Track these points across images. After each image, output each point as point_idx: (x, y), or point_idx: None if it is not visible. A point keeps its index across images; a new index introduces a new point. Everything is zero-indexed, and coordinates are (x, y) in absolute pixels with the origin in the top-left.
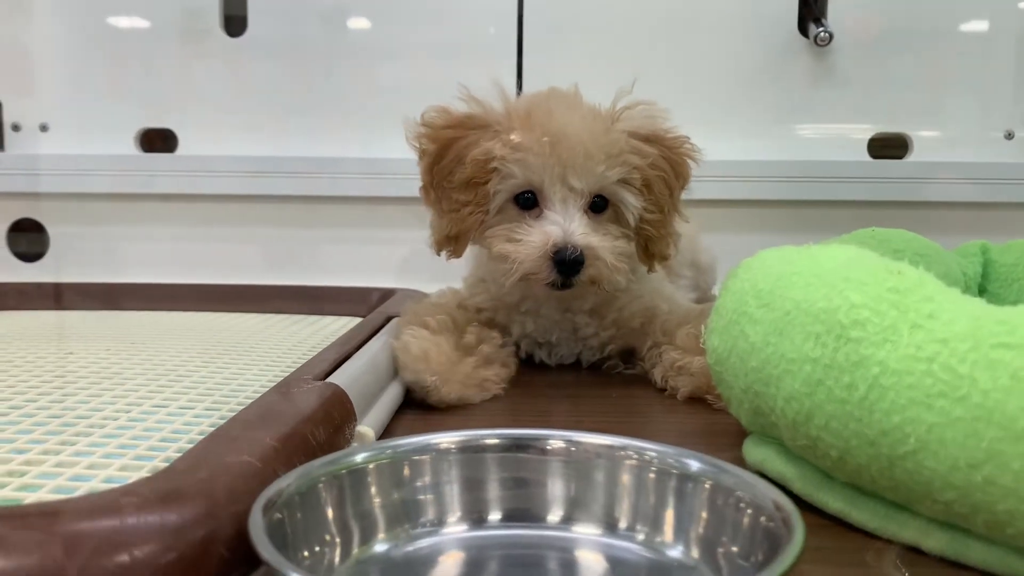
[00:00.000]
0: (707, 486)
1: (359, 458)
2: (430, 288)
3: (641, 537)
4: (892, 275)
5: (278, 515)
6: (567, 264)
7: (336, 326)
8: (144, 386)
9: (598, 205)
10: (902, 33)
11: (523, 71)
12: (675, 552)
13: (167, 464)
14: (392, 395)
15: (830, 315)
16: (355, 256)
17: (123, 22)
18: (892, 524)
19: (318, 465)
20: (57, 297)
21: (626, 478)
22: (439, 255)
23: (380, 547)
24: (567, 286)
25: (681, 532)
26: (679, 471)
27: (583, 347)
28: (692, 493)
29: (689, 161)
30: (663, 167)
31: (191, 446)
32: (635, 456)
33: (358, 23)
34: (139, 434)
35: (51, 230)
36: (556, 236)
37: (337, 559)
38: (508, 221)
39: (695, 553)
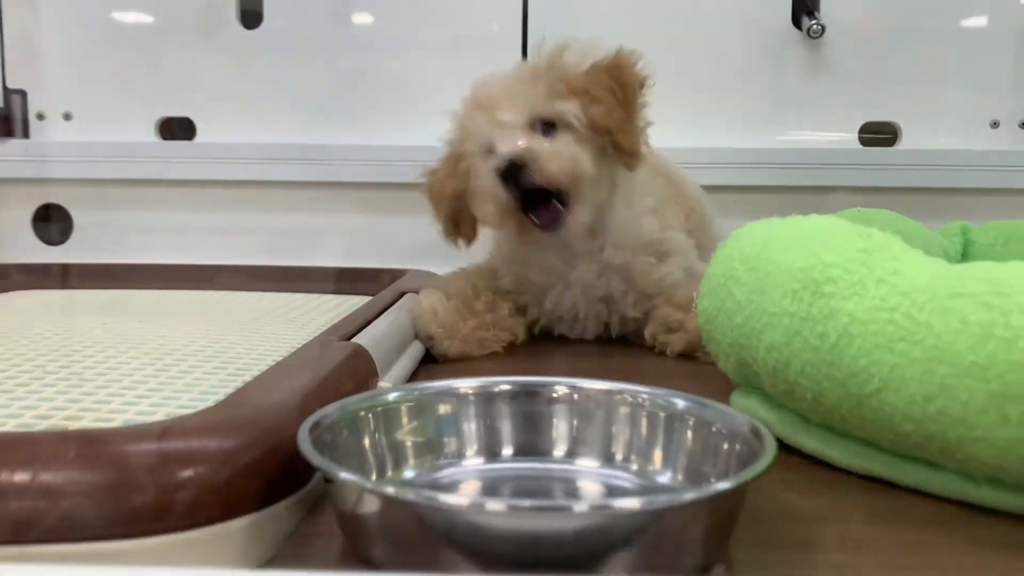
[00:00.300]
0: (691, 421)
1: (391, 397)
2: (438, 270)
3: (634, 467)
4: (862, 238)
5: (326, 436)
6: (508, 170)
7: (350, 303)
8: (179, 350)
9: (546, 129)
10: (893, 26)
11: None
12: (663, 478)
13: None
14: (411, 356)
15: (806, 273)
16: (365, 239)
17: (144, 16)
18: (862, 460)
19: (355, 400)
20: (82, 276)
21: (621, 417)
22: (453, 244)
23: (408, 473)
24: (531, 202)
25: (669, 461)
26: (667, 409)
27: (616, 318)
28: (679, 428)
29: (626, 66)
30: (603, 95)
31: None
32: (630, 398)
33: (366, 18)
34: (184, 387)
35: (75, 214)
36: (497, 160)
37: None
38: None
39: (680, 477)
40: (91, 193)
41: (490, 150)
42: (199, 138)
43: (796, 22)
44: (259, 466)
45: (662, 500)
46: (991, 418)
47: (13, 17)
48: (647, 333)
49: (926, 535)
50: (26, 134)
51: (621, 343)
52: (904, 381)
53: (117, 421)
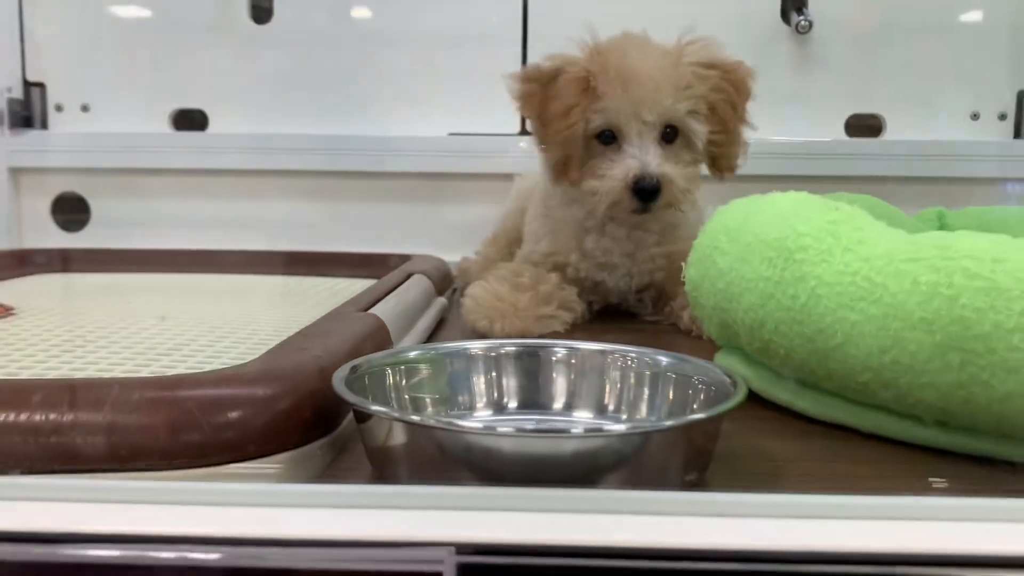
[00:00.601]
0: (673, 376)
1: (411, 355)
2: (443, 255)
3: (624, 416)
4: (831, 211)
5: (354, 386)
6: (646, 192)
7: (360, 285)
8: (208, 322)
9: (669, 135)
10: (879, 23)
11: (527, 59)
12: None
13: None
14: (420, 329)
15: (780, 243)
16: (369, 225)
17: (159, 12)
18: (828, 408)
19: (380, 356)
20: (100, 261)
21: (613, 374)
22: (558, 184)
23: None
24: (647, 211)
25: (653, 410)
26: (652, 366)
27: (637, 271)
28: (662, 381)
29: (747, 79)
30: (726, 88)
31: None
32: (620, 357)
33: (368, 11)
34: (221, 350)
35: (92, 202)
36: (635, 168)
37: None
38: (593, 158)
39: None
40: (107, 182)
41: (611, 130)
42: (211, 129)
43: (785, 18)
44: (295, 411)
45: (645, 425)
46: (936, 365)
47: (32, 13)
48: (685, 318)
49: (879, 470)
50: (45, 125)
51: (656, 330)
52: (863, 335)
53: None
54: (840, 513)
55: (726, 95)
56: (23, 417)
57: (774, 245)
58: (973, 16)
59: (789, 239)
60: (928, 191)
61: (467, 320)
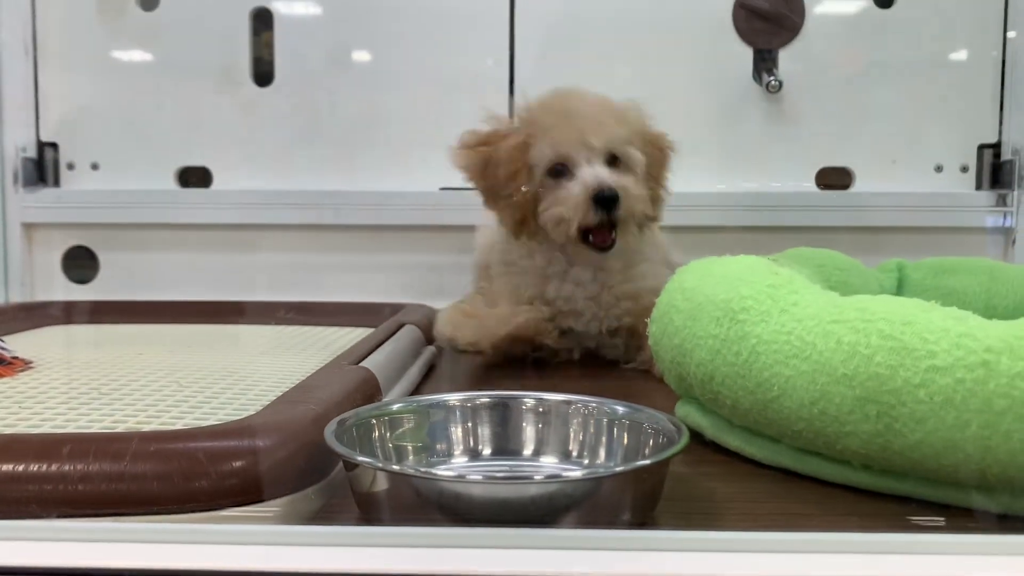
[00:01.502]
0: (627, 423)
1: (395, 407)
2: (434, 304)
3: (586, 461)
4: (771, 275)
5: (344, 437)
6: (606, 199)
7: (355, 334)
8: (210, 375)
9: (611, 162)
10: (845, 82)
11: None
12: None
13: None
14: (409, 378)
15: (727, 304)
16: (365, 276)
17: (167, 76)
18: (772, 454)
19: (367, 409)
20: (109, 312)
21: (575, 422)
22: (519, 239)
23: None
24: (610, 225)
25: (611, 454)
26: (609, 415)
27: (604, 315)
28: (618, 428)
29: (668, 149)
30: (651, 151)
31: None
32: (581, 407)
33: (365, 58)
34: (223, 403)
35: (101, 256)
36: (592, 182)
37: None
38: (548, 193)
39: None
40: (116, 236)
41: (562, 162)
42: (215, 185)
43: (756, 78)
44: (292, 460)
45: (598, 471)
46: (857, 416)
47: (47, 76)
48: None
49: (810, 509)
50: (57, 183)
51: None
52: (796, 389)
53: (175, 427)
54: (769, 547)
55: (650, 155)
56: (55, 467)
57: (721, 306)
58: (937, 75)
59: (734, 301)
60: (895, 240)
61: (437, 331)
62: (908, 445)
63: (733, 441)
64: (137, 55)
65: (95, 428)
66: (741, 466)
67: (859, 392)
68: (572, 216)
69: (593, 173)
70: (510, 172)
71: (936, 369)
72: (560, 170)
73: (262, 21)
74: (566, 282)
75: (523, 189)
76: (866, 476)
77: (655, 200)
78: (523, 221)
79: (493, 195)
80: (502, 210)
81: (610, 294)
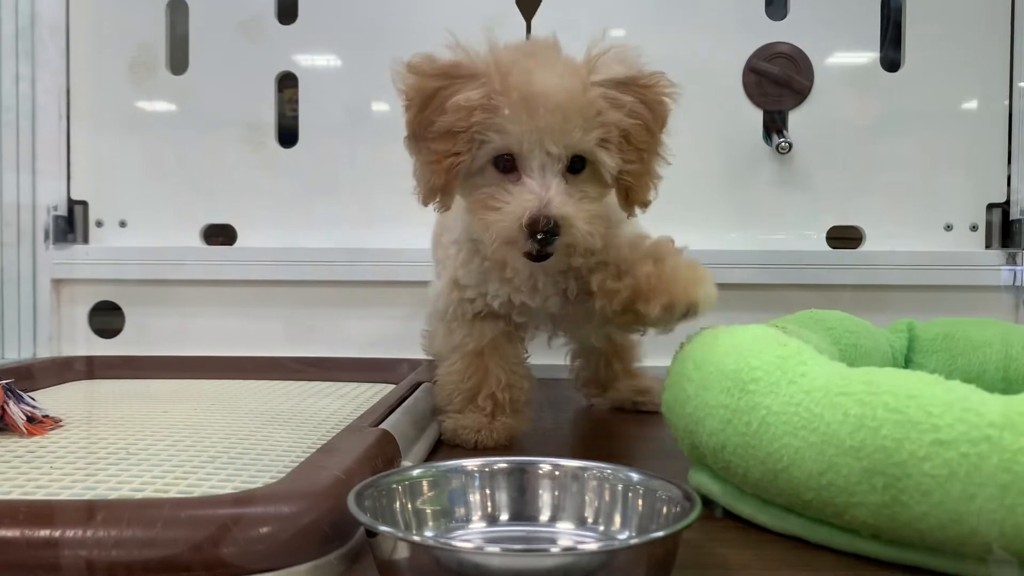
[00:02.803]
0: (641, 490)
1: (415, 473)
2: None
3: (601, 528)
4: (780, 346)
5: (366, 503)
6: (544, 234)
7: (375, 390)
8: (234, 433)
9: (576, 166)
10: (854, 140)
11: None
12: (622, 536)
13: (275, 479)
14: (428, 438)
15: (736, 374)
16: (384, 331)
17: (193, 137)
18: (784, 522)
19: (388, 475)
20: (135, 367)
21: (591, 489)
22: (426, 207)
23: (428, 534)
24: (543, 256)
25: (626, 522)
26: (624, 482)
27: (572, 283)
28: (632, 495)
29: (666, 99)
30: (641, 111)
31: (286, 472)
32: (597, 473)
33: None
34: (243, 466)
35: (127, 311)
36: (532, 207)
37: None
38: (488, 184)
39: (633, 534)
40: (142, 292)
41: (511, 156)
42: (239, 243)
43: (767, 139)
44: (315, 527)
45: (613, 544)
46: (864, 487)
47: (78, 137)
48: (594, 281)
49: None
50: (86, 240)
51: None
52: (804, 460)
53: (197, 492)
54: None
55: (641, 120)
56: (89, 533)
57: (731, 376)
58: (945, 136)
59: (743, 371)
60: (905, 298)
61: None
62: (915, 516)
63: (745, 509)
64: (165, 117)
65: (124, 490)
66: (753, 533)
67: (866, 464)
68: (499, 237)
69: (537, 192)
70: (448, 130)
71: (941, 443)
72: (507, 165)
73: (287, 80)
74: (522, 279)
75: (455, 157)
76: (876, 546)
77: (642, 176)
78: (438, 190)
79: (418, 139)
80: (420, 163)
81: (568, 268)
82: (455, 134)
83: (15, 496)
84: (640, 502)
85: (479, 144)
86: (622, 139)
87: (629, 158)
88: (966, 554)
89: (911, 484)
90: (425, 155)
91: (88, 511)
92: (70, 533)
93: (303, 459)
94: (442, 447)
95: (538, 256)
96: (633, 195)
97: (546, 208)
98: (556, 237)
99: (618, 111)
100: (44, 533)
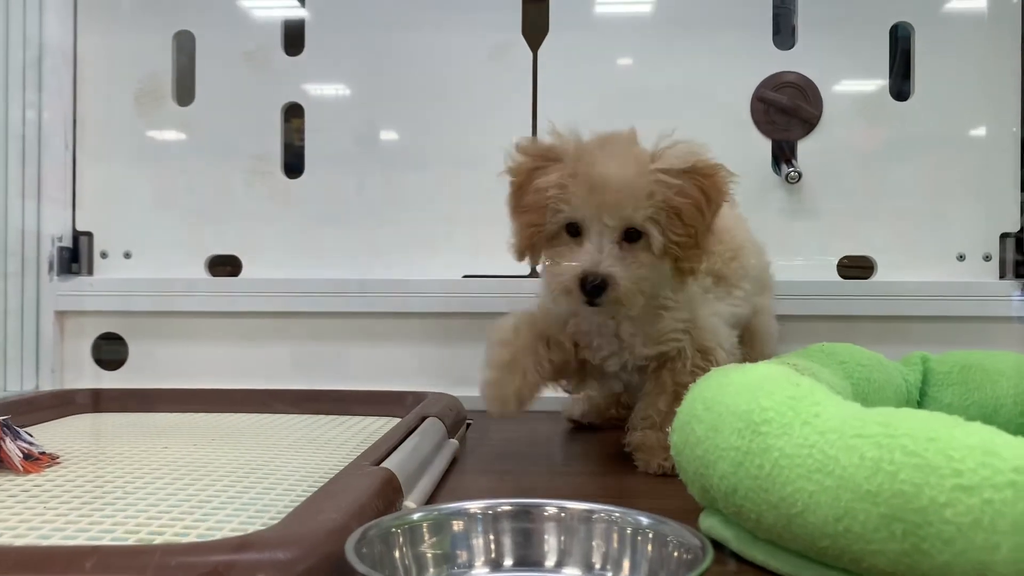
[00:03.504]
0: (651, 535)
1: (416, 516)
2: (455, 391)
3: (609, 575)
4: (792, 386)
5: (364, 549)
6: (591, 288)
7: (379, 424)
8: (234, 472)
9: (632, 235)
10: (864, 169)
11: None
12: None
13: (272, 523)
14: (432, 475)
15: (748, 415)
16: (390, 363)
17: (198, 168)
18: (797, 568)
19: (388, 519)
20: (138, 400)
21: (599, 533)
22: (520, 261)
23: None
24: (595, 304)
25: (635, 568)
26: (633, 525)
27: (628, 356)
28: (642, 540)
29: (722, 184)
30: (693, 195)
31: (285, 513)
32: (605, 516)
33: (392, 143)
34: (243, 505)
35: (130, 342)
36: (585, 265)
37: None
38: (560, 244)
39: None
40: (146, 323)
41: (578, 224)
42: (244, 274)
43: (776, 169)
44: (312, 572)
45: None
46: (882, 535)
47: (84, 168)
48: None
49: None
50: (90, 271)
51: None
52: (819, 505)
53: (192, 535)
54: None
55: (692, 200)
56: None
57: (742, 417)
58: (957, 165)
59: (755, 412)
60: (918, 329)
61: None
62: (936, 566)
63: (758, 555)
64: (171, 147)
65: (119, 532)
66: None
67: (884, 510)
68: (558, 287)
69: (593, 254)
70: (535, 204)
71: (963, 488)
72: (575, 229)
73: (293, 110)
74: (578, 315)
75: (537, 227)
76: None
77: (690, 249)
78: (526, 250)
79: (516, 211)
80: (515, 229)
81: (630, 329)
82: (538, 208)
83: (6, 539)
84: (649, 547)
85: (554, 213)
86: (673, 216)
87: (679, 232)
88: None
89: (932, 532)
90: (518, 222)
91: (77, 557)
92: None
93: (303, 499)
94: (446, 484)
95: (591, 303)
96: (681, 264)
97: (596, 267)
98: (604, 291)
99: (668, 191)
100: None
